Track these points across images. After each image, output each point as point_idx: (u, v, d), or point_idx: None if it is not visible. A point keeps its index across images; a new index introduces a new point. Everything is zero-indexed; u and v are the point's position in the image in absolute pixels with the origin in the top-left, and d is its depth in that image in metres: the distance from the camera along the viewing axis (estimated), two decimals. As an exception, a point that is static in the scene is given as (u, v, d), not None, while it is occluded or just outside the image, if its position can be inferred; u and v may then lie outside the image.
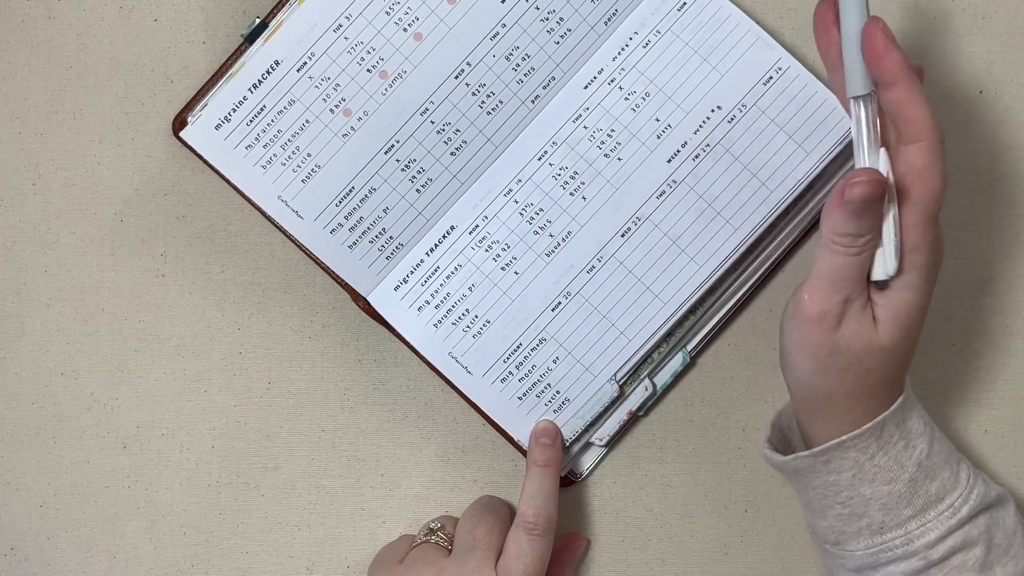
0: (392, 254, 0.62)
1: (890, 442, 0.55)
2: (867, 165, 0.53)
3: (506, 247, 0.62)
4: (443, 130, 0.61)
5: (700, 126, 0.61)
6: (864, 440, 0.55)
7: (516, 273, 0.62)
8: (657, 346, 0.63)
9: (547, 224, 0.62)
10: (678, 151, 0.61)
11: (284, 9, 0.60)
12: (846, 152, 0.62)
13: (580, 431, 0.63)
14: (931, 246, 0.53)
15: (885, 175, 0.52)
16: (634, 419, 0.65)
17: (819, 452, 0.56)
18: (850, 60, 0.53)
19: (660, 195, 0.62)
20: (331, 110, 0.61)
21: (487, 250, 0.62)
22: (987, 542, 0.56)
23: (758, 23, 0.61)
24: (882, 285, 0.53)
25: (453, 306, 0.62)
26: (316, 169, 0.61)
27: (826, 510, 0.58)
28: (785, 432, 0.62)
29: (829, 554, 0.60)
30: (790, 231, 0.63)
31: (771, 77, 0.61)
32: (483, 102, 0.61)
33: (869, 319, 0.53)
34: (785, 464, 0.58)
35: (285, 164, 0.61)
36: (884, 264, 0.52)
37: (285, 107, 0.61)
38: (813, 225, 0.63)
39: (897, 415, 0.55)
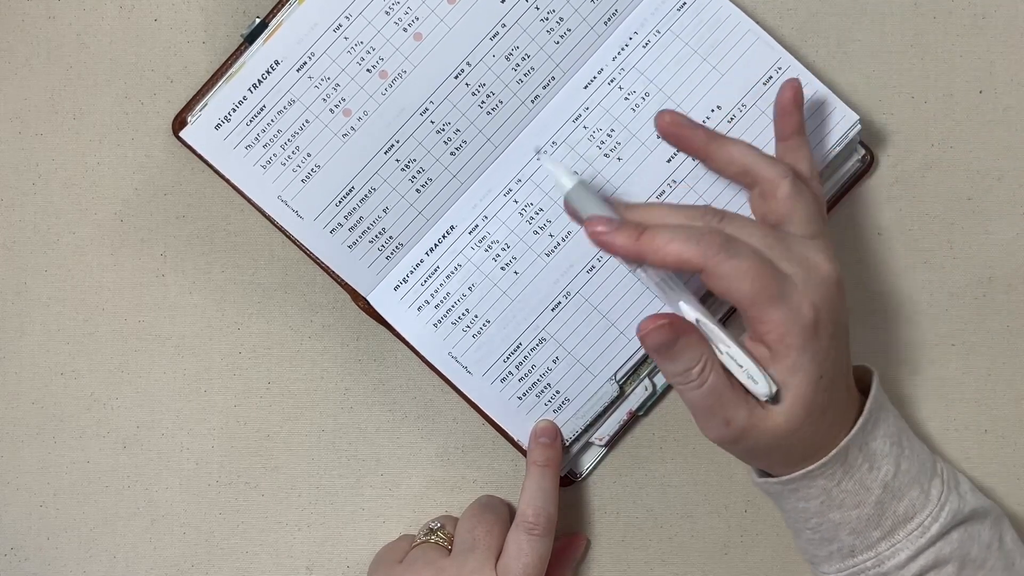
0: (392, 254, 0.62)
1: (855, 466, 0.56)
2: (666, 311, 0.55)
3: (506, 247, 0.62)
4: (443, 130, 0.61)
5: (700, 126, 0.61)
6: (830, 468, 0.55)
7: (516, 273, 0.62)
8: (657, 346, 0.63)
9: (547, 224, 0.62)
10: (678, 151, 0.61)
11: (284, 9, 0.60)
12: (846, 152, 0.62)
13: (580, 431, 0.63)
14: (789, 330, 0.52)
15: (685, 318, 0.54)
16: (634, 419, 0.65)
17: (787, 481, 0.56)
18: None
19: (660, 195, 0.62)
20: (331, 110, 0.61)
21: (487, 250, 0.62)
22: (961, 558, 0.56)
23: (758, 23, 0.61)
24: (776, 398, 0.54)
25: (453, 306, 0.62)
26: (316, 169, 0.61)
27: (799, 533, 0.59)
28: None
29: (812, 571, 0.61)
30: (790, 231, 0.63)
31: (771, 77, 0.61)
32: (483, 102, 0.61)
33: (763, 417, 0.54)
34: (759, 486, 0.59)
35: (285, 164, 0.61)
36: (759, 385, 0.53)
37: (285, 107, 0.61)
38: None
39: (859, 437, 0.56)
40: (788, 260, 0.53)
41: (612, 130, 0.61)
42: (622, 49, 0.61)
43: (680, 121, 0.57)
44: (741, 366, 0.53)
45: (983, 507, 0.59)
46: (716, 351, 0.54)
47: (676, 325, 0.53)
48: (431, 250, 0.62)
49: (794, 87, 0.58)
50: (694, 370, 0.53)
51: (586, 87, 0.62)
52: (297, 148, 0.61)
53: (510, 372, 0.63)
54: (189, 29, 0.64)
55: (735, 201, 0.61)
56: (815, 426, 0.54)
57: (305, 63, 0.60)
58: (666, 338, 0.53)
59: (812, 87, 0.61)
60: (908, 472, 0.57)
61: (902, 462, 0.57)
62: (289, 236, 0.62)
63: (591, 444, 0.64)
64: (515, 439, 0.63)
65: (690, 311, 0.54)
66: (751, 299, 0.52)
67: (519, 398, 0.63)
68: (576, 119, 0.61)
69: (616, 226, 0.53)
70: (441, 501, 0.66)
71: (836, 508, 0.56)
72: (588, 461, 0.65)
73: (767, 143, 0.61)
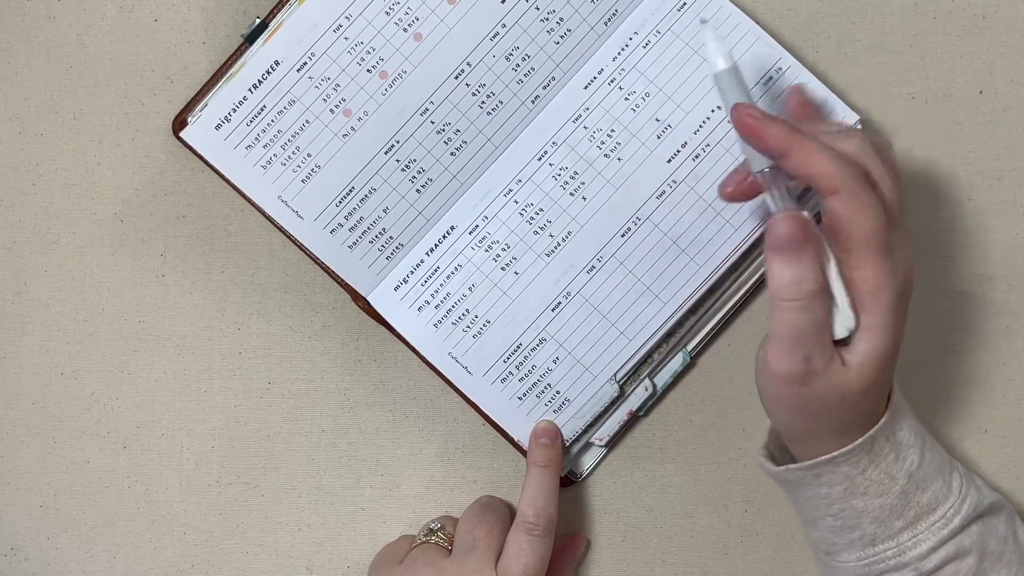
0: (392, 254, 0.62)
1: (880, 455, 0.55)
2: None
3: (506, 247, 0.62)
4: (443, 130, 0.61)
5: (700, 126, 0.61)
6: (855, 455, 0.54)
7: (516, 273, 0.62)
8: (657, 346, 0.63)
9: (547, 224, 0.62)
10: (678, 151, 0.61)
11: (284, 9, 0.60)
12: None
13: (580, 431, 0.63)
14: (886, 286, 0.51)
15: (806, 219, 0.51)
16: (634, 419, 0.65)
17: (810, 466, 0.55)
18: (741, 144, 0.53)
19: (660, 195, 0.62)
20: (331, 110, 0.61)
21: (487, 250, 0.62)
22: (980, 551, 0.56)
23: (758, 23, 0.61)
24: (846, 341, 0.52)
25: (453, 306, 0.62)
26: (316, 169, 0.61)
27: (818, 521, 0.58)
28: (783, 439, 0.62)
29: (823, 563, 0.60)
30: (790, 231, 0.63)
31: (772, 77, 0.61)
32: (483, 102, 0.61)
33: (838, 370, 0.51)
34: (777, 474, 0.58)
35: (285, 164, 0.61)
36: (842, 321, 0.51)
37: (285, 107, 0.61)
38: (816, 224, 0.63)
39: (887, 428, 0.55)
40: (896, 228, 0.52)
41: (612, 130, 0.61)
42: (622, 49, 0.61)
43: (757, 115, 0.52)
44: (833, 295, 0.51)
45: (999, 501, 0.59)
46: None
47: (809, 227, 0.50)
48: (431, 250, 0.62)
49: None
50: (808, 284, 0.50)
51: (586, 87, 0.62)
52: (297, 148, 0.61)
53: (510, 372, 0.63)
54: (189, 29, 0.64)
55: (735, 201, 0.61)
56: (871, 396, 0.53)
57: (305, 63, 0.60)
58: (801, 233, 0.50)
59: (812, 87, 0.61)
60: (932, 463, 0.56)
61: (926, 453, 0.56)
62: (289, 236, 0.62)
63: (591, 444, 0.64)
64: (515, 439, 0.63)
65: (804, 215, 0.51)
66: (866, 238, 0.50)
67: (519, 398, 0.63)
68: (576, 119, 0.61)
69: (771, 118, 0.51)
70: (441, 501, 0.66)
71: (860, 496, 0.55)
72: (588, 461, 0.65)
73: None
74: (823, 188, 0.51)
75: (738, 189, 0.56)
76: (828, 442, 0.55)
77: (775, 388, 0.53)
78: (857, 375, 0.52)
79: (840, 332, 0.51)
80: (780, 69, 0.61)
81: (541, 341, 0.62)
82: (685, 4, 0.61)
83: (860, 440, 0.54)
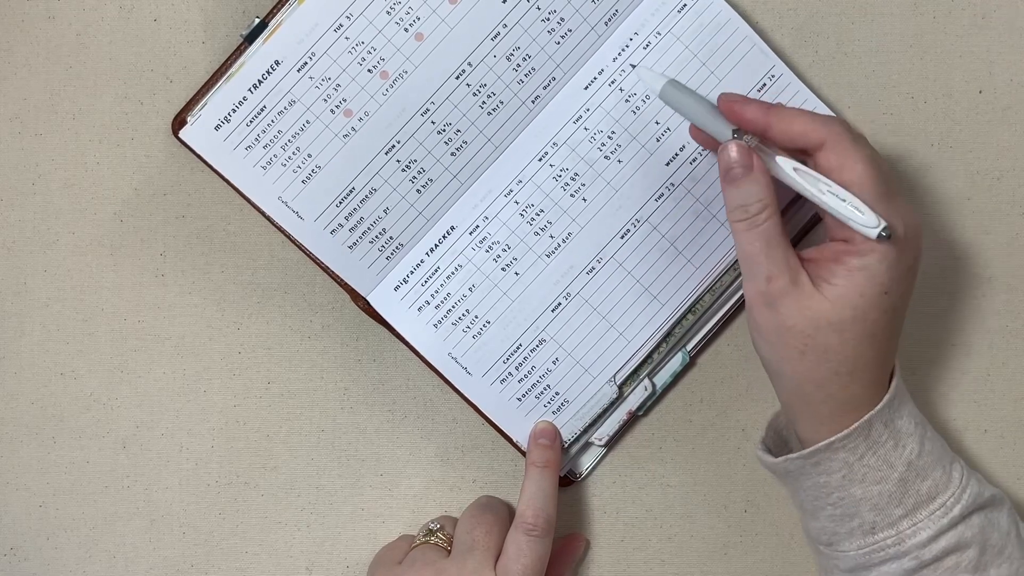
0: (392, 254, 0.62)
1: (879, 442, 0.55)
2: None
3: (506, 248, 0.62)
4: (444, 130, 0.61)
5: (699, 129, 0.61)
6: (852, 440, 0.55)
7: (516, 274, 0.62)
8: (656, 347, 0.63)
9: (547, 225, 0.62)
10: (676, 154, 0.61)
11: (284, 9, 0.60)
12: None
13: (579, 432, 0.63)
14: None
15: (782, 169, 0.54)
16: (634, 419, 0.65)
17: (808, 454, 0.56)
18: (709, 128, 0.56)
19: (659, 197, 0.62)
20: (332, 110, 0.61)
21: (487, 251, 0.62)
22: (981, 543, 0.56)
23: (757, 24, 0.61)
24: (872, 239, 0.52)
25: (453, 306, 0.62)
26: (316, 170, 0.61)
27: (818, 511, 0.58)
28: (782, 433, 0.62)
29: (823, 555, 0.60)
30: (788, 231, 0.63)
31: (765, 84, 0.61)
32: (484, 102, 0.61)
33: (810, 294, 0.53)
34: (775, 466, 0.58)
35: (285, 165, 0.61)
36: (862, 214, 0.52)
37: (285, 107, 0.61)
38: (810, 226, 0.63)
39: (884, 413, 0.55)
40: (892, 183, 0.54)
41: (613, 132, 0.61)
42: (623, 50, 0.61)
43: (734, 98, 0.56)
44: (844, 199, 0.52)
45: (999, 495, 0.59)
46: (815, 192, 0.53)
47: (753, 155, 0.54)
48: (431, 250, 0.62)
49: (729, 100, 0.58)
50: (752, 205, 0.53)
51: (587, 88, 0.61)
52: (298, 149, 0.61)
53: (510, 373, 0.63)
54: (189, 29, 0.64)
55: (735, 202, 0.61)
56: (852, 340, 0.53)
57: (306, 63, 0.60)
58: (743, 158, 0.53)
59: (803, 95, 0.62)
60: (931, 453, 0.56)
61: (925, 443, 0.56)
62: (289, 237, 0.62)
63: (590, 444, 0.65)
64: (514, 440, 0.63)
65: (786, 161, 0.54)
66: (859, 182, 0.52)
67: (519, 399, 0.63)
68: (577, 120, 0.61)
69: (746, 100, 0.55)
70: (440, 501, 0.66)
71: (858, 483, 0.55)
72: (587, 461, 0.65)
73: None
74: (810, 144, 0.53)
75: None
76: (820, 406, 0.55)
77: (753, 319, 0.55)
78: (829, 302, 0.53)
79: (871, 227, 0.51)
80: (773, 76, 0.61)
81: (541, 342, 0.62)
82: (685, 5, 0.61)
83: (856, 424, 0.54)
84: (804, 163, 0.54)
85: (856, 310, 0.53)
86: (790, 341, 0.54)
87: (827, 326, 0.53)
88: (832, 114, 0.62)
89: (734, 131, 0.54)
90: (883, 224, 0.51)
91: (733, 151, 0.54)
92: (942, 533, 0.55)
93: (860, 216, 0.52)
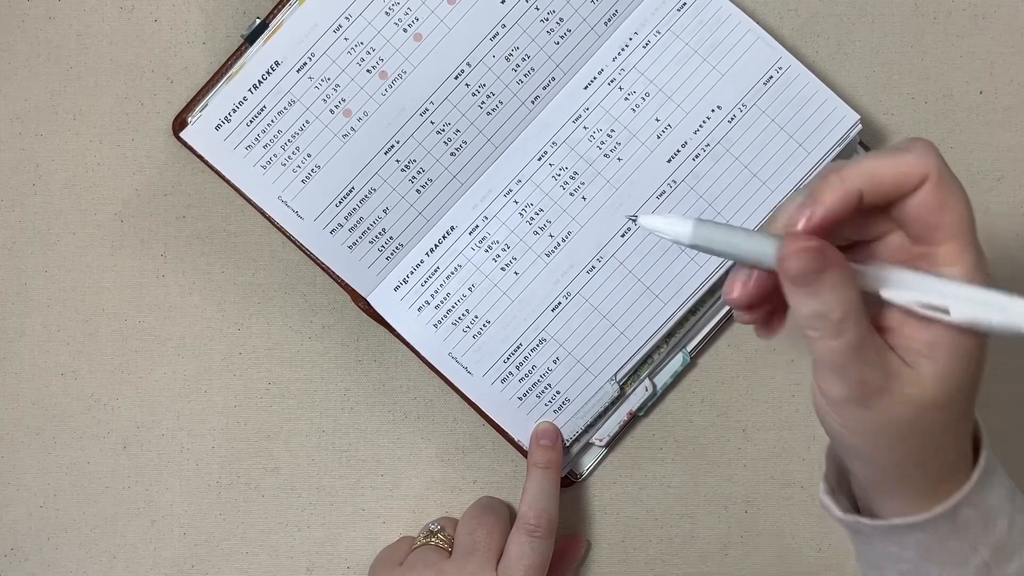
0: (392, 254, 0.62)
1: (967, 524, 0.47)
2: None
3: (506, 247, 0.62)
4: (443, 130, 0.61)
5: (700, 126, 0.61)
6: (935, 524, 0.47)
7: (516, 273, 0.62)
8: (657, 346, 0.63)
9: (547, 224, 0.62)
10: (678, 151, 0.61)
11: (284, 9, 0.60)
12: (846, 152, 0.62)
13: (580, 431, 0.63)
14: (979, 281, 0.44)
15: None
16: (634, 419, 0.65)
17: (884, 527, 0.48)
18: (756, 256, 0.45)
19: (660, 195, 0.62)
20: (331, 110, 0.61)
21: (487, 250, 0.62)
22: None
23: (758, 23, 0.61)
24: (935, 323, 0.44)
25: (453, 306, 0.62)
26: (316, 169, 0.61)
27: (884, 569, 0.50)
28: (842, 465, 0.52)
29: None
30: (790, 231, 0.63)
31: (771, 77, 0.61)
32: (483, 102, 0.61)
33: (910, 382, 0.44)
34: (843, 522, 0.50)
35: (285, 164, 0.61)
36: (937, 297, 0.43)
37: (285, 107, 0.61)
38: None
39: (974, 494, 0.46)
40: None
41: (612, 130, 0.61)
42: (622, 49, 0.61)
43: (800, 215, 0.44)
44: (926, 293, 0.43)
45: None
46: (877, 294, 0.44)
47: (827, 252, 0.43)
48: (431, 251, 0.62)
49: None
50: (834, 314, 0.42)
51: (586, 87, 0.62)
52: (297, 148, 0.61)
53: (510, 372, 0.63)
54: (189, 29, 0.64)
55: (736, 201, 0.61)
56: (955, 416, 0.45)
57: (305, 64, 0.60)
58: (814, 264, 0.42)
59: (812, 87, 0.61)
60: (1022, 530, 0.48)
61: (1016, 516, 0.48)
62: (289, 236, 0.62)
63: (591, 445, 0.64)
64: (515, 439, 0.63)
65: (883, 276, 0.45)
66: (960, 225, 0.43)
67: (519, 398, 0.63)
68: (576, 119, 0.62)
69: (809, 201, 0.44)
70: (441, 502, 0.66)
71: (935, 563, 0.47)
72: (588, 462, 0.65)
73: (767, 143, 0.61)
74: (911, 183, 0.43)
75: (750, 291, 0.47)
76: (914, 480, 0.47)
77: (837, 421, 0.46)
78: (932, 380, 0.44)
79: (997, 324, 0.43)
80: (780, 68, 0.61)
81: (541, 341, 0.62)
82: (685, 4, 0.61)
83: (942, 509, 0.46)
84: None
85: (960, 377, 0.44)
86: (890, 431, 0.45)
87: (932, 407, 0.44)
88: (852, 117, 0.60)
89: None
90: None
91: (798, 260, 0.43)
92: None
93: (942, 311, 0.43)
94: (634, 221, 0.48)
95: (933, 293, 0.43)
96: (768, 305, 0.47)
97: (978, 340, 0.44)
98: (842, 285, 0.43)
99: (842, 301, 0.43)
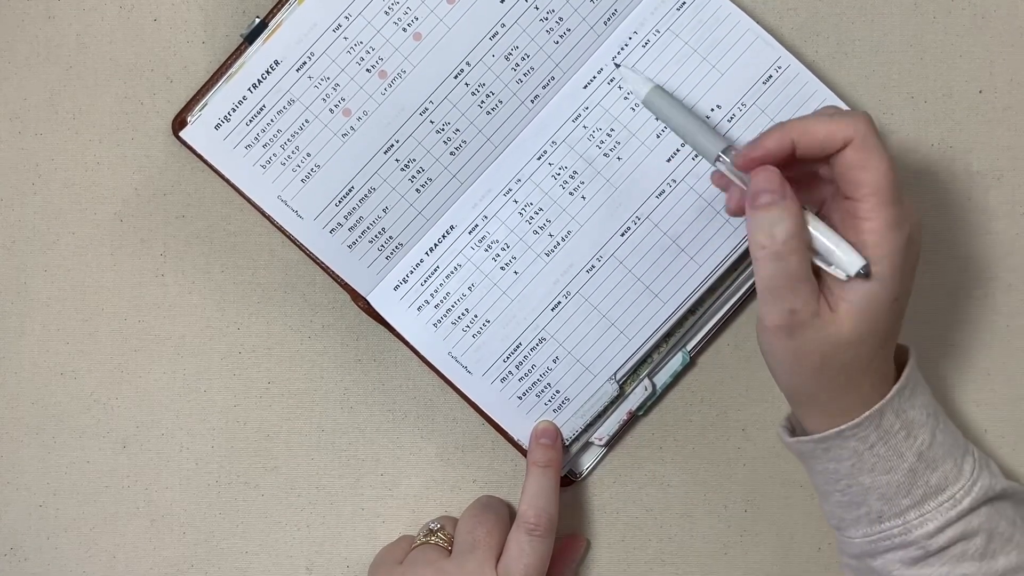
0: (392, 254, 0.62)
1: (890, 432, 0.55)
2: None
3: (506, 247, 0.62)
4: (442, 130, 0.61)
5: (700, 125, 0.61)
6: (863, 429, 0.55)
7: (516, 273, 0.62)
8: (657, 346, 0.63)
9: (547, 224, 0.62)
10: (678, 150, 0.61)
11: (284, 9, 0.60)
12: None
13: (580, 430, 0.63)
14: (894, 235, 0.52)
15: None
16: (634, 419, 0.65)
17: (819, 439, 0.56)
18: (696, 143, 0.57)
19: (660, 194, 0.62)
20: (331, 110, 0.61)
21: (487, 250, 0.62)
22: (989, 531, 0.56)
23: (758, 22, 0.61)
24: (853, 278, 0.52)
25: (453, 306, 0.62)
26: (316, 169, 0.61)
27: (828, 495, 0.58)
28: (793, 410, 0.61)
29: (837, 536, 0.60)
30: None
31: (771, 76, 0.61)
32: (483, 102, 0.61)
33: (829, 321, 0.52)
34: (790, 445, 0.59)
35: (285, 164, 0.61)
36: (849, 261, 0.52)
37: (285, 107, 0.61)
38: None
39: (895, 402, 0.55)
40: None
41: (612, 129, 0.61)
42: (622, 49, 0.61)
43: (748, 150, 0.54)
44: (827, 240, 0.52)
45: (1011, 488, 0.58)
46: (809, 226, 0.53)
47: (787, 186, 0.52)
48: (431, 250, 0.62)
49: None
50: (779, 234, 0.51)
51: (586, 87, 0.62)
52: (297, 148, 0.61)
53: (510, 372, 0.63)
54: (189, 29, 0.64)
55: (735, 201, 0.61)
56: (868, 350, 0.53)
57: (305, 63, 0.60)
58: (775, 185, 0.52)
59: (812, 86, 0.61)
60: (943, 444, 0.56)
61: (937, 434, 0.56)
62: (289, 236, 0.62)
63: (591, 444, 0.64)
64: (515, 439, 0.63)
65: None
66: (878, 184, 0.51)
67: (519, 398, 0.63)
68: (576, 119, 0.61)
69: (759, 140, 0.54)
70: (441, 501, 0.66)
71: (867, 472, 0.55)
72: (588, 461, 0.65)
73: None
74: (837, 146, 0.52)
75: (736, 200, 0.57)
76: (830, 405, 0.55)
77: (766, 343, 0.54)
78: (848, 322, 0.52)
79: (855, 266, 0.51)
80: (780, 68, 0.61)
81: (541, 340, 0.62)
82: (684, 3, 0.61)
83: (867, 413, 0.54)
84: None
85: (871, 323, 0.53)
86: (806, 362, 0.54)
87: (846, 345, 0.53)
88: (845, 106, 0.61)
89: (723, 149, 0.55)
90: (863, 263, 0.51)
91: (764, 176, 0.52)
92: (949, 524, 0.55)
93: (841, 256, 0.52)
94: (617, 66, 0.61)
95: (821, 239, 0.52)
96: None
97: (888, 289, 0.52)
98: (792, 216, 0.51)
99: (789, 228, 0.51)
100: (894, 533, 0.56)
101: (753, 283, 0.64)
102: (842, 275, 0.52)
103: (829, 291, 0.53)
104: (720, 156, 0.56)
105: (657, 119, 0.60)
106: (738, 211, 0.56)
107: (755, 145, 0.54)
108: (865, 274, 0.51)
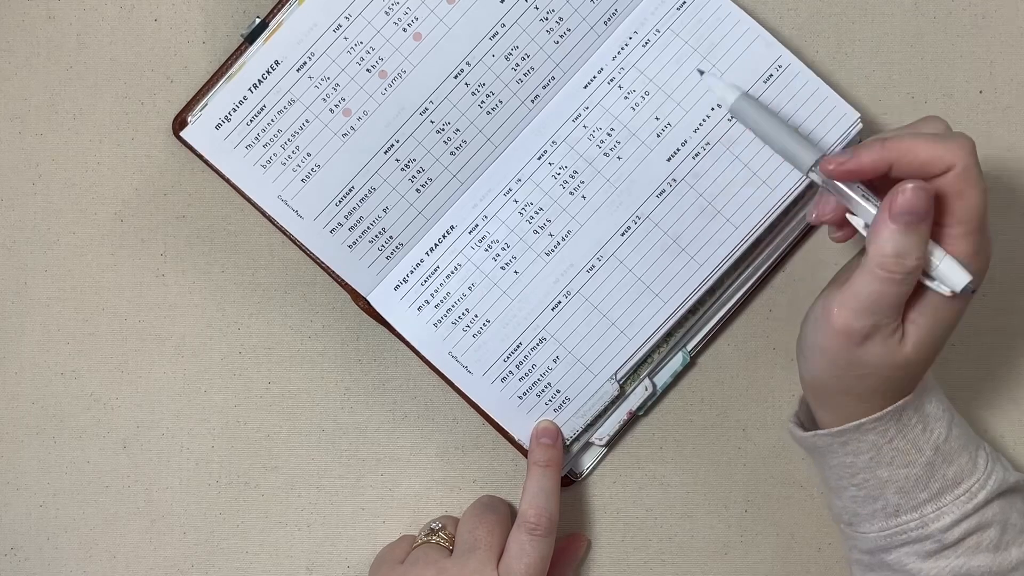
0: (392, 254, 0.62)
1: (908, 425, 0.55)
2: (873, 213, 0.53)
3: (506, 246, 0.62)
4: (443, 130, 0.61)
5: (700, 124, 0.61)
6: (883, 423, 0.55)
7: (516, 272, 0.62)
8: (657, 346, 0.63)
9: (547, 223, 0.62)
10: (678, 149, 0.61)
11: (284, 9, 0.60)
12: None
13: (580, 430, 0.63)
14: (974, 267, 0.52)
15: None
16: (634, 419, 0.65)
17: (838, 432, 0.56)
18: (786, 152, 0.57)
19: (660, 194, 0.62)
20: (331, 110, 0.61)
21: (487, 249, 0.62)
22: (1002, 523, 0.56)
23: (758, 22, 0.61)
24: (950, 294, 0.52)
25: (453, 305, 0.62)
26: (316, 169, 0.61)
27: (842, 490, 0.58)
28: (810, 401, 0.61)
29: (844, 534, 0.60)
30: (791, 230, 0.63)
31: (771, 75, 0.61)
32: (483, 102, 0.61)
33: (897, 340, 0.52)
34: (804, 440, 0.59)
35: (285, 164, 0.61)
36: (953, 277, 0.51)
37: (285, 107, 0.61)
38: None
39: (916, 400, 0.55)
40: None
41: (612, 129, 0.61)
42: (622, 48, 0.61)
43: (843, 159, 0.53)
44: (933, 256, 0.51)
45: (1023, 480, 0.59)
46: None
47: (932, 205, 0.50)
48: (431, 250, 0.62)
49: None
50: (910, 260, 0.50)
51: (586, 86, 0.62)
52: (297, 148, 0.61)
53: (510, 371, 0.63)
54: (189, 29, 0.64)
55: (736, 199, 0.61)
56: (918, 371, 0.54)
57: (305, 63, 0.60)
58: (924, 207, 0.50)
59: (812, 85, 0.61)
60: (959, 438, 0.57)
61: (953, 428, 0.57)
62: (289, 236, 0.62)
63: (591, 444, 0.64)
64: (515, 438, 0.63)
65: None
66: (971, 215, 0.51)
67: (519, 397, 0.63)
68: (576, 118, 0.61)
69: (857, 152, 0.52)
70: (441, 501, 0.66)
71: (885, 465, 0.56)
72: (588, 461, 0.65)
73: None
74: (937, 169, 0.51)
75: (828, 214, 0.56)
76: (855, 409, 0.55)
77: (827, 340, 0.53)
78: (914, 349, 0.53)
79: (956, 287, 0.51)
80: (780, 67, 0.61)
81: (541, 340, 0.62)
82: (685, 3, 0.61)
83: (889, 408, 0.54)
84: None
85: (931, 349, 0.53)
86: (856, 370, 0.54)
87: (903, 365, 0.53)
88: (852, 116, 0.61)
89: (815, 161, 0.54)
90: (969, 278, 0.51)
91: (920, 196, 0.50)
92: (965, 517, 0.56)
93: (955, 276, 0.51)
94: (701, 73, 0.61)
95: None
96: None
97: (955, 309, 0.53)
98: (925, 242, 0.50)
99: (921, 254, 0.50)
100: (911, 527, 0.56)
101: (754, 283, 0.64)
102: (946, 291, 0.51)
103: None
104: (813, 167, 0.55)
105: (744, 127, 0.60)
106: (832, 221, 0.56)
107: (851, 158, 0.52)
108: (972, 291, 0.51)
